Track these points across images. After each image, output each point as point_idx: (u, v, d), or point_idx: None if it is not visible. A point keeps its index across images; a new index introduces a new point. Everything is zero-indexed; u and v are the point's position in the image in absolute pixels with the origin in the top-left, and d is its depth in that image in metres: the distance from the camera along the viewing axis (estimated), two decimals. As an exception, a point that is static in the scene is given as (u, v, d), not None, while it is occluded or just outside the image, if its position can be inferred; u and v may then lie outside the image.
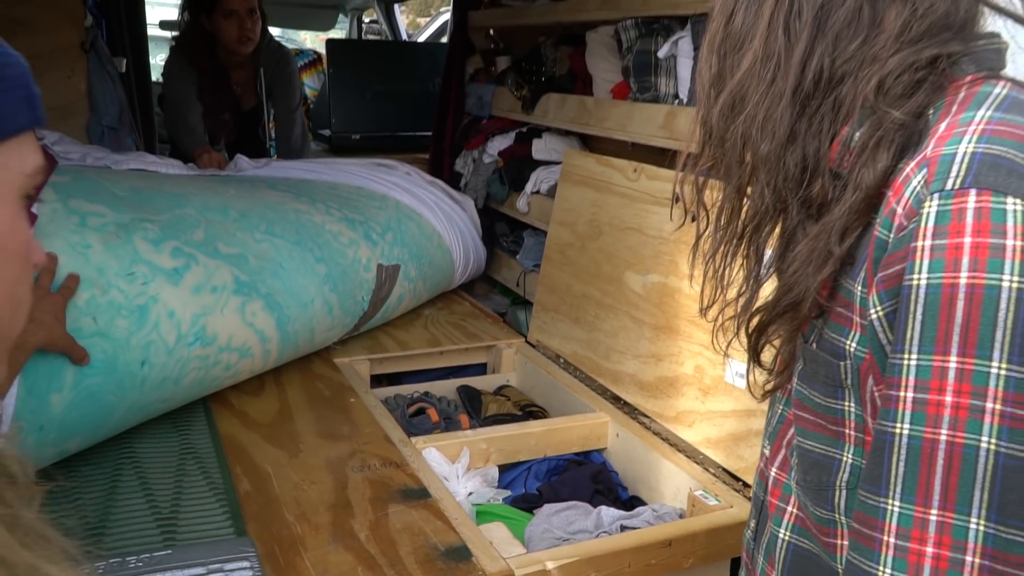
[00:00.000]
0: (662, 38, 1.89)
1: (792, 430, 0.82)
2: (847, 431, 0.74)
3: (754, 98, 0.74)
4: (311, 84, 4.65)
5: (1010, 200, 0.60)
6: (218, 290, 1.63)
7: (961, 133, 0.65)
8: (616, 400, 1.88)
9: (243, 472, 1.42)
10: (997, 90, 0.69)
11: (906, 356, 0.63)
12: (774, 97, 0.73)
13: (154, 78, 3.49)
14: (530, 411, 1.99)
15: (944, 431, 0.61)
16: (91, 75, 2.67)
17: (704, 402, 1.64)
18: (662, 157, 1.96)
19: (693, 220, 0.91)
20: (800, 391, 0.79)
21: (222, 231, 1.75)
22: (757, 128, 0.74)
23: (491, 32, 2.95)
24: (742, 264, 0.84)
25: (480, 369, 2.30)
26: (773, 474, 0.86)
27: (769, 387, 0.86)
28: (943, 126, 0.68)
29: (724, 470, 1.56)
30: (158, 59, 3.90)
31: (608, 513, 1.48)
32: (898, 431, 0.63)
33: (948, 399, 0.61)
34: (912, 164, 0.67)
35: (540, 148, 2.50)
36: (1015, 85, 0.70)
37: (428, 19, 5.86)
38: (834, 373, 0.73)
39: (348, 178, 2.38)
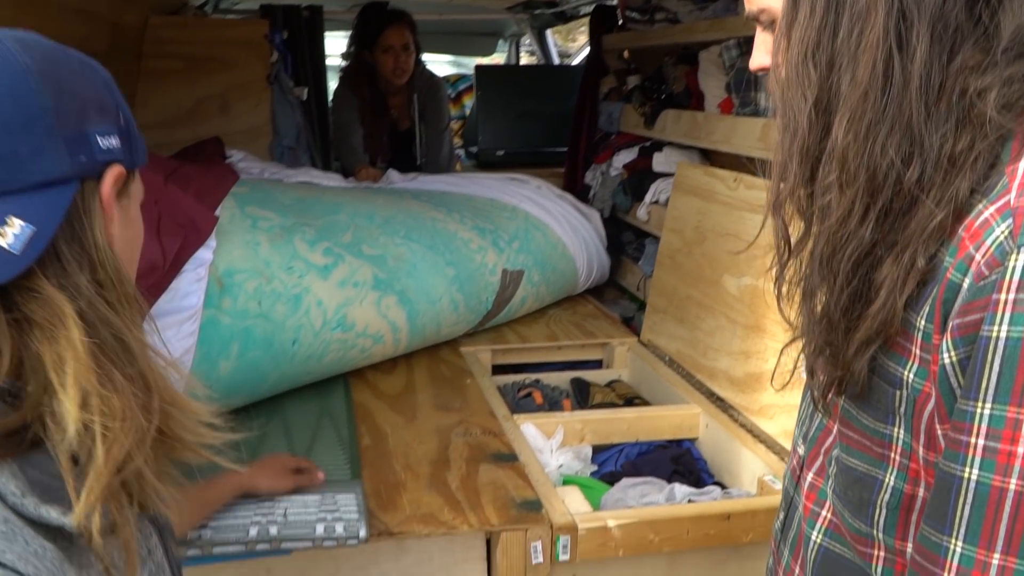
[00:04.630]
0: (761, 56, 2.02)
1: (831, 439, 0.85)
2: (892, 455, 0.76)
3: (868, 116, 0.71)
4: (471, 105, 5.03)
5: None
6: (359, 285, 1.94)
7: None
8: (711, 395, 2.02)
9: (367, 431, 1.71)
10: None
11: (979, 404, 0.65)
12: (892, 114, 0.71)
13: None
14: (634, 403, 2.16)
15: (1014, 480, 0.63)
16: (274, 103, 3.13)
17: (784, 396, 1.75)
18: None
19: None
20: (848, 410, 0.80)
21: (367, 235, 2.06)
22: (869, 142, 0.71)
23: (624, 54, 3.15)
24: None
25: (596, 365, 2.49)
26: (809, 479, 0.89)
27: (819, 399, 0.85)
28: (1021, 169, 0.66)
29: (797, 459, 1.66)
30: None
31: (680, 489, 1.63)
32: (966, 475, 0.66)
33: (1020, 450, 0.63)
34: (992, 208, 0.66)
35: (660, 161, 2.66)
36: None
37: (573, 44, 6.13)
38: (887, 400, 0.75)
39: (483, 191, 2.66)
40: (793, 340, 0.86)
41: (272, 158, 3.04)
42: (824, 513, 0.86)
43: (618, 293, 3.11)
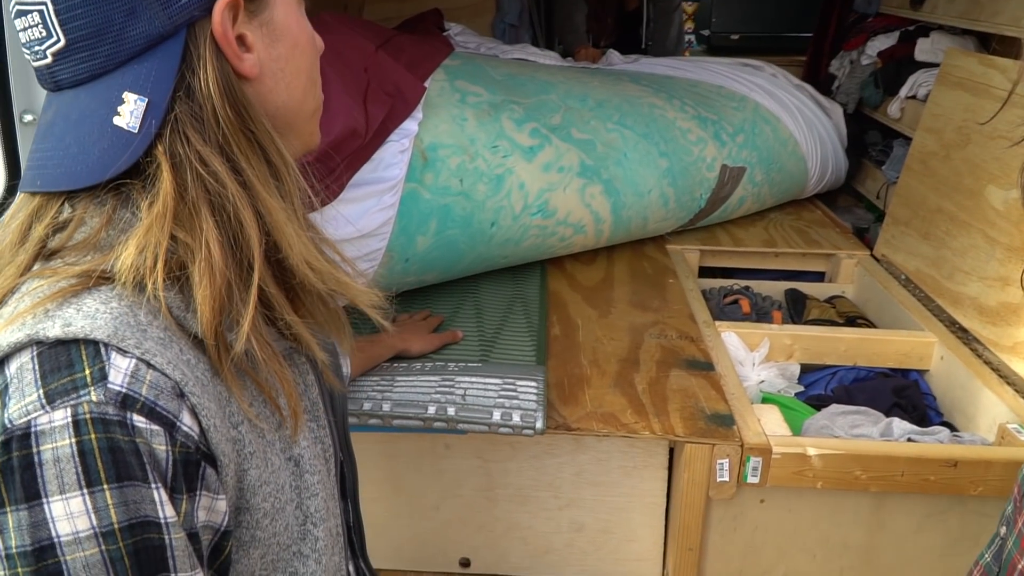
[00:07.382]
0: (1079, -86, 1.62)
1: None
2: None
3: None
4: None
5: None
6: (564, 170, 1.84)
7: None
8: (952, 324, 1.75)
9: (557, 320, 1.66)
10: None
11: None
12: None
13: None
14: (856, 323, 1.93)
15: None
16: (500, -21, 3.03)
17: (1047, 334, 1.47)
18: (1068, 60, 1.71)
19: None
20: None
21: (578, 118, 1.95)
22: None
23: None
24: None
25: (818, 277, 2.26)
26: None
27: None
28: None
29: (1054, 410, 1.40)
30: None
31: (900, 425, 1.43)
32: None
33: None
34: None
35: (925, 48, 2.28)
36: None
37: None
38: None
39: (711, 77, 2.43)
40: None
41: (493, 35, 2.97)
42: None
43: (853, 200, 2.79)
